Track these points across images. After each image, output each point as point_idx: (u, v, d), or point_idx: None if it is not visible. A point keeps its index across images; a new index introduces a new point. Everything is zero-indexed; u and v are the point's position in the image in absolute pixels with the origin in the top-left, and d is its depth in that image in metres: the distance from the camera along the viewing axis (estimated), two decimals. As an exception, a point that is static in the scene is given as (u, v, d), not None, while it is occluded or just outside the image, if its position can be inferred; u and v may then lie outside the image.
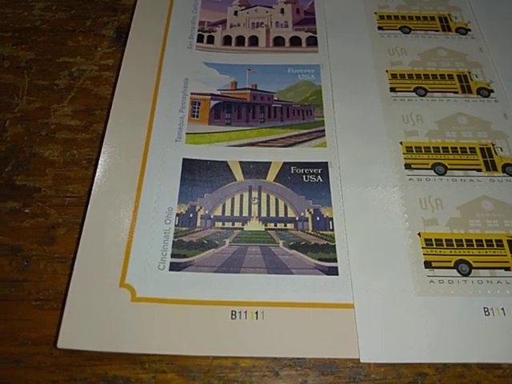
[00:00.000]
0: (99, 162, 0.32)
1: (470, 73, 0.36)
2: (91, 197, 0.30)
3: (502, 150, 0.32)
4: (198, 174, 0.32)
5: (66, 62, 0.39)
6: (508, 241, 0.28)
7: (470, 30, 0.39)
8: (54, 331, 0.26)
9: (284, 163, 0.32)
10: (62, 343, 0.25)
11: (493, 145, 0.32)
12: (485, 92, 0.35)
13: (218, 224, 0.30)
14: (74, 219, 0.31)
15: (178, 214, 0.30)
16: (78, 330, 0.25)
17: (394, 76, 0.36)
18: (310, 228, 0.29)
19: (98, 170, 0.31)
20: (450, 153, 0.32)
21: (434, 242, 0.28)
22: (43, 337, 0.26)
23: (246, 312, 0.26)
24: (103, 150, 0.32)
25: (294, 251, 0.28)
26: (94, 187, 0.31)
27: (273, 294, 0.27)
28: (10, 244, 0.30)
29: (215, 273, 0.27)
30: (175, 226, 0.29)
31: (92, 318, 0.26)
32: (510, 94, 0.35)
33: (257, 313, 0.26)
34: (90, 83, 0.38)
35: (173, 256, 0.28)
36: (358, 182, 0.31)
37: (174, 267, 0.28)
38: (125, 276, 0.27)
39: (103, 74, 0.38)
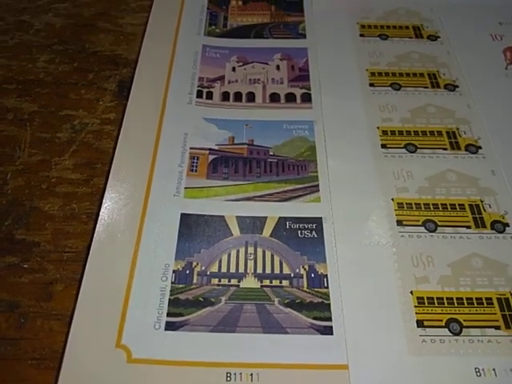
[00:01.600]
0: (99, 217, 0.33)
1: (458, 129, 0.38)
2: (90, 253, 0.31)
3: (490, 207, 0.33)
4: (196, 229, 0.32)
5: (68, 114, 0.41)
6: (498, 299, 0.29)
7: (457, 87, 0.41)
8: (50, 393, 0.26)
9: (280, 218, 0.33)
10: (57, 407, 0.25)
11: (481, 201, 0.34)
12: (473, 148, 0.37)
13: (214, 281, 0.30)
14: (72, 275, 0.31)
15: (174, 271, 0.30)
16: (73, 393, 0.25)
17: (384, 133, 0.37)
18: (305, 285, 0.30)
19: (97, 225, 0.32)
20: (440, 209, 0.33)
21: (425, 301, 0.29)
22: (38, 398, 0.26)
23: (241, 374, 0.26)
24: (103, 204, 0.33)
25: (289, 309, 0.29)
26: (93, 243, 0.31)
27: (268, 356, 0.27)
28: (8, 300, 0.30)
29: (211, 332, 0.28)
30: (172, 283, 0.30)
31: (88, 379, 0.26)
32: (498, 150, 0.37)
33: (252, 375, 0.26)
34: (92, 137, 0.39)
35: (169, 315, 0.28)
36: (351, 237, 0.32)
37: (169, 326, 0.28)
38: (121, 336, 0.27)
39: (105, 127, 0.40)
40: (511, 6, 0.49)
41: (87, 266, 0.30)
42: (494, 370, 0.26)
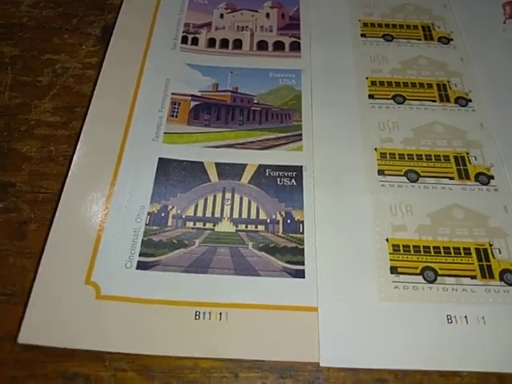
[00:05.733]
0: (73, 159, 0.32)
1: (449, 82, 0.37)
2: (63, 193, 0.30)
3: (476, 159, 0.32)
4: (173, 174, 0.32)
5: (50, 59, 0.39)
6: (476, 249, 0.28)
7: (452, 40, 0.39)
8: (17, 327, 0.26)
9: (259, 165, 0.32)
10: (22, 338, 0.25)
11: (467, 153, 0.33)
12: (463, 101, 0.35)
13: (189, 224, 0.30)
14: (46, 215, 0.31)
15: (149, 213, 0.30)
16: (40, 326, 0.25)
17: (373, 83, 0.36)
18: (281, 231, 0.29)
19: (71, 166, 0.31)
20: (424, 160, 0.32)
21: (401, 248, 0.28)
22: (6, 332, 0.26)
23: (210, 313, 0.26)
24: (78, 147, 0.32)
25: (263, 253, 0.28)
26: (66, 184, 0.31)
27: (238, 296, 0.27)
28: (-19, 238, 0.30)
29: (182, 273, 0.27)
30: (146, 224, 0.29)
31: (55, 314, 0.26)
32: (488, 103, 0.35)
33: (221, 314, 0.26)
34: (73, 81, 0.38)
35: (141, 255, 0.28)
36: (330, 186, 0.31)
37: (141, 266, 0.28)
38: (91, 273, 0.27)
39: (86, 72, 0.38)
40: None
41: (59, 206, 0.30)
42: (465, 317, 0.26)
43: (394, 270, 0.28)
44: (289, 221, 0.30)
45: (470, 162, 0.32)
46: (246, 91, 0.37)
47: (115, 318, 0.26)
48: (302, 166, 0.32)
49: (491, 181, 0.31)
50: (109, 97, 0.35)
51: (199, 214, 0.30)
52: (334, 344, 0.25)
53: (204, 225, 0.30)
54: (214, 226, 0.30)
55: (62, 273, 0.27)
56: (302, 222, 0.30)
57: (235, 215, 0.30)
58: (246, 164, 0.32)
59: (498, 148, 0.33)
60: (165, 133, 0.34)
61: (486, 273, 0.28)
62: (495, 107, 0.35)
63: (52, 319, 0.26)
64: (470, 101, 0.35)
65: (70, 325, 0.26)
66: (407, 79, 0.37)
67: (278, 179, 0.32)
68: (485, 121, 0.34)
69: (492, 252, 0.28)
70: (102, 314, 0.26)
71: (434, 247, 0.28)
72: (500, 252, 0.28)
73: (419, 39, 0.39)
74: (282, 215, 0.30)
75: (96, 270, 0.27)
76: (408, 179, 0.31)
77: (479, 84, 0.36)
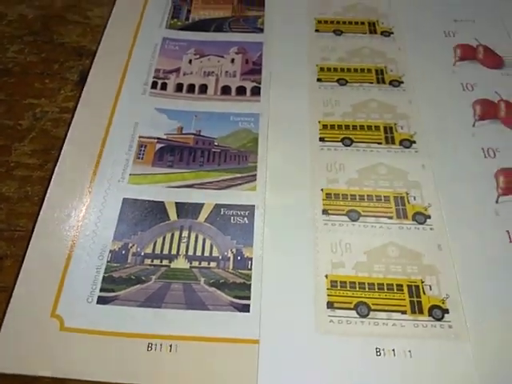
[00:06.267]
0: (45, 199, 0.35)
1: (396, 124, 0.40)
2: (34, 232, 0.33)
3: (414, 199, 0.35)
4: (136, 213, 0.35)
5: (31, 103, 0.43)
6: (408, 286, 0.31)
7: (402, 83, 0.43)
8: (-13, 357, 0.29)
9: (216, 205, 0.35)
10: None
11: (407, 194, 0.35)
12: (407, 143, 0.38)
13: (147, 261, 0.33)
14: (20, 252, 0.34)
15: (111, 251, 0.33)
16: (8, 355, 0.28)
17: (324, 126, 0.39)
18: (231, 267, 0.32)
19: (43, 207, 0.35)
20: (365, 200, 0.35)
21: (338, 284, 0.31)
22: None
23: (161, 345, 0.29)
24: (49, 189, 0.36)
25: (213, 289, 0.31)
26: (37, 223, 0.34)
27: (188, 329, 0.29)
28: (-41, 273, 0.33)
29: (138, 307, 0.30)
30: (107, 262, 0.32)
31: (22, 344, 0.29)
32: (431, 144, 0.38)
33: (171, 345, 0.29)
34: (50, 124, 0.41)
35: (101, 290, 0.31)
36: (279, 224, 0.34)
37: (101, 301, 0.31)
38: (56, 307, 0.30)
39: (63, 116, 0.42)
40: (468, 3, 0.50)
41: (30, 244, 0.33)
42: (393, 350, 0.29)
43: (330, 304, 0.30)
44: (239, 257, 0.33)
45: (408, 202, 0.35)
46: (208, 134, 0.40)
47: (77, 349, 0.29)
48: (254, 205, 0.35)
49: (428, 220, 0.34)
50: (80, 140, 0.38)
51: (157, 251, 0.33)
52: (271, 375, 0.28)
53: (161, 262, 0.32)
54: (170, 262, 0.32)
55: (31, 306, 0.30)
56: (251, 259, 0.32)
57: (190, 252, 0.33)
58: (204, 203, 0.35)
59: (436, 188, 0.36)
60: (130, 174, 0.37)
61: (416, 308, 0.30)
62: (438, 149, 0.38)
63: (20, 349, 0.29)
64: (414, 142, 0.38)
65: (35, 354, 0.29)
66: (357, 122, 0.40)
67: (232, 218, 0.35)
68: (426, 162, 0.37)
69: (423, 288, 0.31)
70: (64, 344, 0.29)
71: (369, 283, 0.31)
72: (431, 288, 0.31)
73: (371, 82, 0.43)
74: (233, 252, 0.33)
75: (61, 304, 0.30)
76: (349, 218, 0.34)
77: (424, 125, 0.39)
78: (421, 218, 0.34)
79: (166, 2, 0.51)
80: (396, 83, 0.43)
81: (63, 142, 0.39)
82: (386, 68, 0.44)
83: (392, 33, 0.47)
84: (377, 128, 0.39)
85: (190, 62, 0.45)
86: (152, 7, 0.50)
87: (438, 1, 0.50)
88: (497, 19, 0.48)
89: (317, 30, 0.47)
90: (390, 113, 0.40)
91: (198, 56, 0.46)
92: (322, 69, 0.44)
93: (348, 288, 0.31)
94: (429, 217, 0.34)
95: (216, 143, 0.39)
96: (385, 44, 0.46)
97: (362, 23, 0.48)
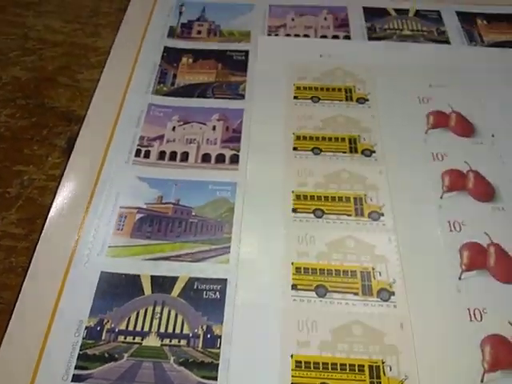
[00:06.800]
0: (28, 272, 0.37)
1: (365, 195, 0.41)
2: (16, 305, 0.35)
3: (380, 275, 0.36)
4: (112, 288, 0.36)
5: (20, 170, 0.45)
6: (369, 366, 0.32)
7: (374, 152, 0.44)
8: None
9: (190, 278, 0.37)
10: None
11: (373, 269, 0.37)
12: (375, 215, 0.40)
13: (121, 338, 0.34)
14: (2, 324, 0.35)
15: (86, 327, 0.34)
16: None
17: (298, 197, 0.41)
18: (200, 345, 0.34)
19: (25, 279, 0.36)
20: (333, 275, 0.36)
21: (303, 365, 0.32)
22: None
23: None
24: (33, 260, 0.37)
25: (182, 368, 0.33)
26: (19, 296, 0.35)
27: (156, 408, 0.31)
28: None
29: (110, 386, 0.32)
30: (83, 338, 0.34)
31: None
32: (397, 217, 0.40)
33: (138, 427, 0.30)
34: (37, 192, 0.43)
35: (76, 368, 0.32)
36: (248, 301, 0.35)
37: (75, 379, 0.32)
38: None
39: (49, 184, 0.44)
40: (443, 68, 0.52)
41: (12, 318, 0.34)
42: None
43: None
44: (208, 335, 0.34)
45: (374, 278, 0.36)
46: (187, 203, 0.42)
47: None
48: (226, 279, 0.36)
49: (392, 297, 0.35)
50: (64, 211, 0.40)
51: (130, 327, 0.34)
52: None
53: (133, 339, 0.34)
54: (142, 339, 0.34)
55: (8, 382, 0.32)
56: (220, 337, 0.34)
57: (162, 329, 0.34)
58: (178, 276, 0.37)
59: (401, 264, 0.37)
60: (109, 246, 0.38)
61: None
62: (404, 219, 0.39)
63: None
64: (382, 215, 0.40)
65: None
66: (328, 193, 0.41)
67: (204, 292, 0.36)
68: (392, 236, 0.39)
69: (384, 369, 0.32)
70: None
71: (332, 364, 0.32)
72: (391, 369, 0.32)
73: (344, 152, 0.44)
74: (203, 329, 0.34)
75: (37, 381, 0.32)
76: (317, 295, 0.35)
77: (392, 198, 0.41)
78: (385, 294, 0.35)
79: (153, 66, 0.53)
80: (368, 152, 0.44)
81: (49, 211, 0.41)
82: (360, 137, 0.46)
83: (367, 100, 0.49)
84: (347, 199, 0.41)
85: (174, 128, 0.47)
86: (140, 71, 0.52)
87: (415, 64, 0.53)
88: (471, 85, 0.50)
89: (295, 97, 0.49)
90: (361, 183, 0.42)
91: (181, 123, 0.48)
92: (298, 137, 0.46)
93: (312, 368, 0.32)
94: (393, 293, 0.35)
95: (194, 213, 0.41)
96: (359, 112, 0.48)
97: (340, 89, 0.50)
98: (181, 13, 0.61)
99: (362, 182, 0.42)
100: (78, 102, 0.51)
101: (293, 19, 0.59)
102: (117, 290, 0.36)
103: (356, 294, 0.36)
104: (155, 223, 0.40)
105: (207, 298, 0.36)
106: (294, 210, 0.40)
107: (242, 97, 0.50)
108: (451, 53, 0.54)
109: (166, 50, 0.55)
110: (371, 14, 0.59)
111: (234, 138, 0.46)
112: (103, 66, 0.53)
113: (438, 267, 0.37)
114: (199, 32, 0.58)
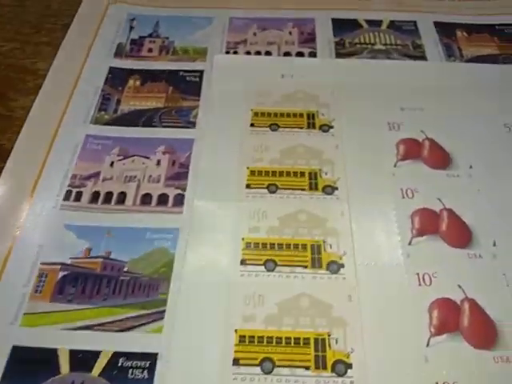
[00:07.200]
0: None
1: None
2: None
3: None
4: (25, 366, 0.31)
5: None
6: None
7: (336, 189, 0.39)
8: None
9: (114, 353, 0.31)
10: None
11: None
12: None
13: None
14: None
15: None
16: None
17: (247, 245, 0.35)
18: None
19: None
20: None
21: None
22: None
23: None
24: None
25: None
26: None
27: None
28: None
29: None
30: None
31: None
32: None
33: None
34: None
35: None
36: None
37: None
38: None
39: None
40: (417, 89, 0.46)
41: None
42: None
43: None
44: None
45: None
46: (119, 256, 0.36)
47: None
48: (157, 354, 0.31)
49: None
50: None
51: (40, 416, 0.29)
52: None
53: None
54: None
55: None
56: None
57: (77, 419, 0.29)
58: (101, 351, 0.31)
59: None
60: (24, 313, 0.33)
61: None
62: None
63: None
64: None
65: None
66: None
67: (130, 371, 0.30)
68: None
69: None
70: None
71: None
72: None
73: (303, 189, 0.39)
74: (124, 419, 0.29)
75: None
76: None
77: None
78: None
79: (94, 90, 0.47)
80: (329, 190, 0.39)
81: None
82: (321, 171, 0.40)
83: (332, 127, 0.43)
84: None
85: (112, 164, 0.42)
86: (79, 97, 0.46)
87: (386, 84, 0.47)
88: (447, 108, 0.45)
89: (252, 125, 0.44)
90: (319, 227, 0.36)
91: (121, 157, 0.42)
92: (252, 172, 0.40)
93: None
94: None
95: (126, 269, 0.35)
96: (322, 141, 0.42)
97: (301, 115, 0.44)
98: (132, 28, 0.55)
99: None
100: (8, 135, 0.45)
101: (255, 34, 0.54)
102: (30, 368, 0.30)
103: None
104: (80, 283, 0.35)
105: (133, 378, 0.30)
106: (242, 262, 0.35)
107: (193, 125, 0.44)
108: (426, 71, 0.48)
109: (111, 70, 0.49)
110: (341, 26, 0.53)
111: (180, 174, 0.41)
112: (38, 91, 0.48)
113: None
114: (150, 50, 0.52)
